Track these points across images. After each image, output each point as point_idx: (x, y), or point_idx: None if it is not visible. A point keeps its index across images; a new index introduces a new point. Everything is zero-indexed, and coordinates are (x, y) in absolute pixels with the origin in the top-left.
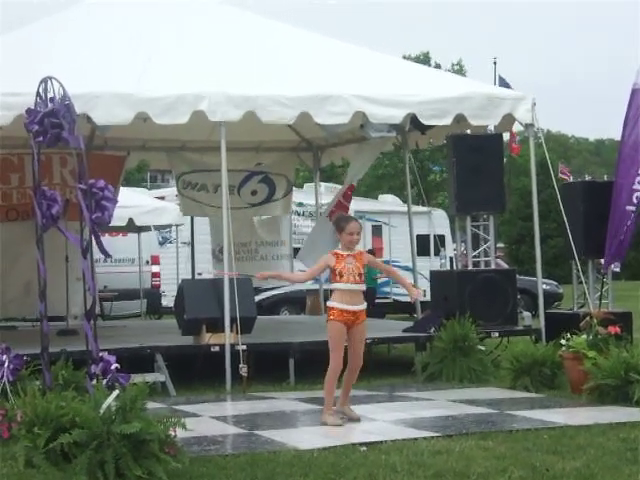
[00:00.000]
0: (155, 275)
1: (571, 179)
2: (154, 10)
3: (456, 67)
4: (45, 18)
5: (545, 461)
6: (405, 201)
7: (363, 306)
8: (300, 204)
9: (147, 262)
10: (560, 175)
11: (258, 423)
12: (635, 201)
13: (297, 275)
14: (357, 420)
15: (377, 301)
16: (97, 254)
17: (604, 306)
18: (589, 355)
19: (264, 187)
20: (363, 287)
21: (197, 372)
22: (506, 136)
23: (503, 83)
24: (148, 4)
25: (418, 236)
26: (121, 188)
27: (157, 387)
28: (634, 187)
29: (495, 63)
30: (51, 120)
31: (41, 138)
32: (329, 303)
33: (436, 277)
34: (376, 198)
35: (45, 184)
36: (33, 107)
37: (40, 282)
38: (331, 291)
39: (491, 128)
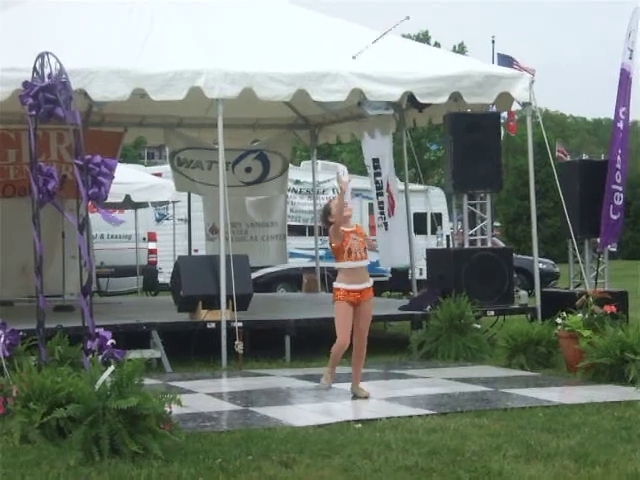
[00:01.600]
0: (152, 252)
1: (568, 158)
2: None
3: (458, 49)
4: None
5: (539, 439)
6: (402, 179)
7: (369, 283)
8: (297, 182)
9: (144, 239)
10: (557, 154)
11: (253, 400)
12: (618, 180)
13: None
14: (366, 397)
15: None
16: (95, 230)
17: (600, 285)
18: (585, 334)
19: (259, 164)
20: (368, 262)
21: (193, 349)
22: (504, 114)
23: (504, 59)
24: None
25: (415, 214)
26: (118, 164)
27: (153, 363)
28: (617, 166)
29: (493, 42)
30: (46, 95)
31: (34, 112)
32: (334, 283)
33: (432, 255)
34: None
35: (42, 160)
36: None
37: (36, 258)
38: (335, 271)
39: (493, 108)
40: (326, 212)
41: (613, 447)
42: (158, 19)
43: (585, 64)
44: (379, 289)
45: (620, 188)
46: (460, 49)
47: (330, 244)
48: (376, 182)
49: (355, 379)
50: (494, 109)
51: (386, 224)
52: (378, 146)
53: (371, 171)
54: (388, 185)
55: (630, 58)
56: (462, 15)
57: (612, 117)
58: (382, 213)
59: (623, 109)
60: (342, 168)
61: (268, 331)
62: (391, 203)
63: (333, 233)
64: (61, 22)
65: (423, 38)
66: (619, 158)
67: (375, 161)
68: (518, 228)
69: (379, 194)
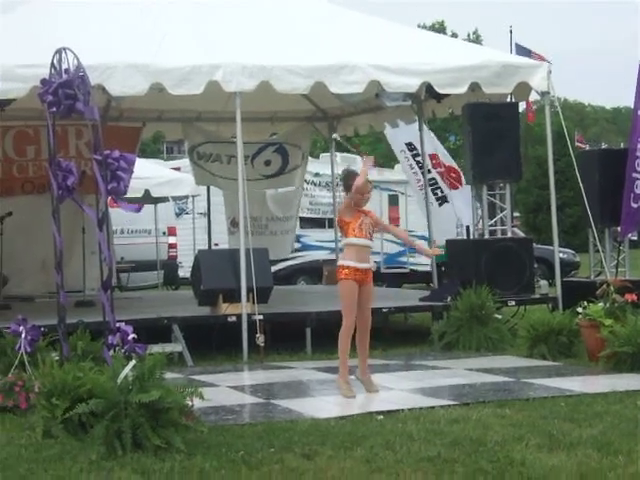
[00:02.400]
0: (172, 246)
1: (587, 147)
2: None
3: (473, 37)
4: None
5: (562, 429)
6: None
7: (371, 265)
8: (317, 174)
9: (164, 233)
10: (577, 144)
11: (275, 392)
12: (638, 168)
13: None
14: (376, 392)
15: (393, 271)
16: (115, 225)
17: (621, 274)
18: (606, 323)
19: (278, 157)
20: (372, 244)
21: (214, 342)
22: (522, 104)
23: (522, 50)
24: None
25: None
26: (137, 159)
27: (174, 357)
28: (637, 154)
29: (511, 32)
30: (65, 91)
31: (55, 108)
32: (342, 261)
33: (452, 246)
34: (392, 168)
35: (61, 156)
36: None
37: (57, 253)
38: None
39: (510, 98)
40: (349, 177)
41: (635, 436)
42: (175, 13)
43: (605, 52)
44: (399, 281)
45: (638, 175)
46: (475, 38)
47: (340, 218)
48: (417, 163)
49: (363, 371)
50: (513, 99)
51: (443, 198)
52: (408, 131)
53: (407, 154)
54: (440, 160)
55: None
56: (478, 4)
57: (632, 106)
58: (437, 188)
59: None
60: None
61: (289, 324)
62: (454, 176)
63: (346, 206)
64: (77, 20)
65: (439, 28)
66: (639, 146)
67: (409, 145)
68: (538, 218)
69: (424, 173)
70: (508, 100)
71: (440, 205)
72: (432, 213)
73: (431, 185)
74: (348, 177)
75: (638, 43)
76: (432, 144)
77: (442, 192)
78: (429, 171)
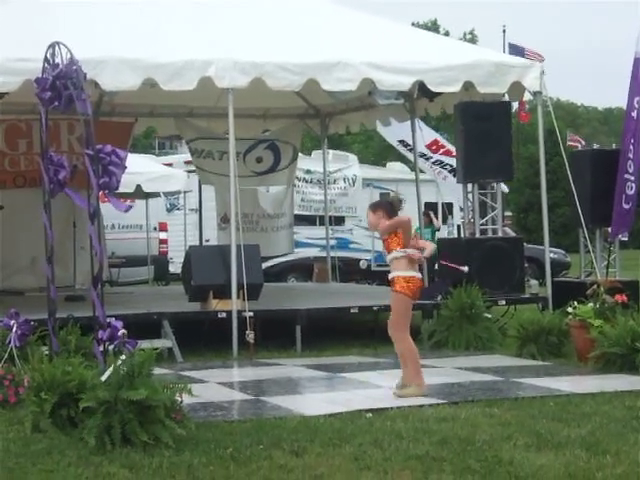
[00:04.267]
0: (163, 242)
1: (580, 147)
2: None
3: (468, 36)
4: None
5: (550, 428)
6: (412, 169)
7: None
8: (308, 171)
9: (155, 229)
10: (570, 143)
11: (264, 389)
12: (630, 169)
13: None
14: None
15: (384, 269)
16: (106, 220)
17: (611, 275)
18: (595, 324)
19: (270, 154)
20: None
21: (204, 338)
22: (515, 103)
23: (515, 49)
24: None
25: (426, 204)
26: (129, 154)
27: (164, 353)
28: (629, 155)
29: (504, 31)
30: (62, 82)
31: (56, 103)
32: (400, 273)
33: (444, 245)
34: (384, 166)
35: (53, 151)
36: (40, 73)
37: (48, 247)
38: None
39: (506, 97)
40: (393, 207)
41: (624, 436)
42: (168, 9)
43: (598, 52)
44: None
45: (632, 177)
46: (470, 38)
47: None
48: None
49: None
50: (507, 99)
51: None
52: (400, 130)
53: (402, 148)
54: (439, 145)
55: None
56: (473, 4)
57: (623, 107)
58: (444, 166)
59: (637, 98)
60: (353, 157)
61: (279, 321)
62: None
63: (387, 228)
64: (69, 14)
65: (432, 27)
66: (632, 147)
67: (402, 141)
68: (529, 217)
69: (427, 158)
70: (503, 99)
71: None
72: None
73: (440, 164)
74: (393, 206)
75: (631, 44)
76: (429, 133)
77: (452, 166)
78: (430, 157)
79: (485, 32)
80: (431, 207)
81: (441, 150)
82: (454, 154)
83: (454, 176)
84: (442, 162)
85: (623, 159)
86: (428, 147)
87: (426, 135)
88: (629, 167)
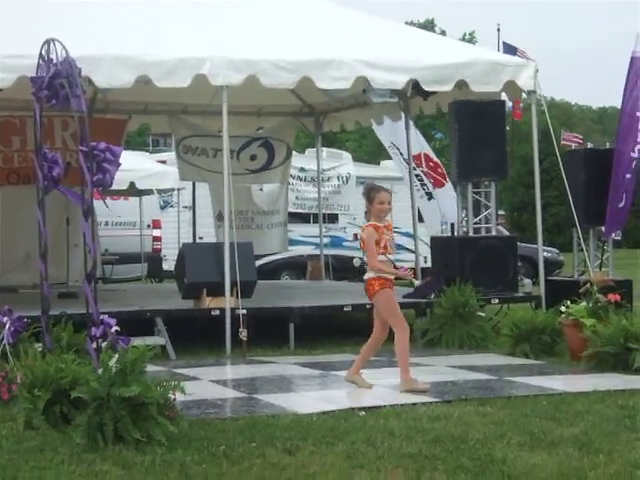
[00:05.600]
0: (156, 239)
1: (576, 145)
2: None
3: (468, 37)
4: None
5: (543, 427)
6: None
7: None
8: (302, 169)
9: (148, 226)
10: (564, 142)
11: (257, 387)
12: (632, 169)
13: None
14: (369, 387)
15: None
16: (99, 217)
17: (605, 274)
18: (589, 323)
19: (263, 152)
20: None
21: (197, 336)
22: (510, 102)
23: (509, 49)
24: None
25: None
26: (123, 151)
27: (157, 350)
28: (632, 155)
29: (499, 30)
30: (59, 82)
31: (54, 101)
32: (377, 274)
33: (437, 243)
34: (378, 164)
35: (46, 147)
36: (35, 70)
37: (41, 244)
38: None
39: (503, 96)
40: (369, 197)
41: (617, 435)
42: (163, 6)
43: (593, 52)
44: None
45: (627, 176)
46: (470, 38)
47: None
48: (404, 160)
49: (357, 369)
50: (505, 98)
51: (430, 194)
52: (392, 131)
53: (394, 151)
54: (425, 158)
55: None
56: (470, 3)
57: (618, 106)
58: (424, 184)
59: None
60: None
61: (272, 318)
62: (440, 172)
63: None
64: (64, 11)
65: (429, 26)
66: (638, 147)
67: (393, 145)
68: (523, 216)
69: (410, 171)
70: (498, 98)
71: (429, 199)
72: (422, 207)
73: (419, 181)
74: (371, 189)
75: (626, 43)
76: (419, 143)
77: (428, 188)
78: (414, 168)
79: (483, 32)
80: None
81: (421, 167)
82: (436, 169)
83: (429, 199)
84: (422, 180)
85: (617, 158)
86: (415, 158)
87: (416, 146)
88: (632, 167)
